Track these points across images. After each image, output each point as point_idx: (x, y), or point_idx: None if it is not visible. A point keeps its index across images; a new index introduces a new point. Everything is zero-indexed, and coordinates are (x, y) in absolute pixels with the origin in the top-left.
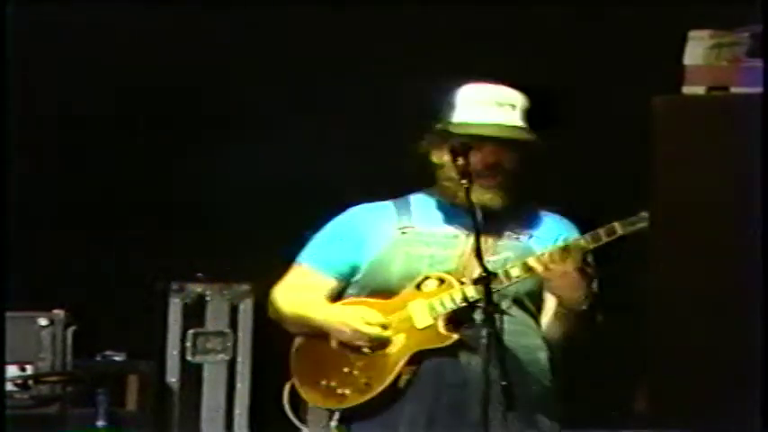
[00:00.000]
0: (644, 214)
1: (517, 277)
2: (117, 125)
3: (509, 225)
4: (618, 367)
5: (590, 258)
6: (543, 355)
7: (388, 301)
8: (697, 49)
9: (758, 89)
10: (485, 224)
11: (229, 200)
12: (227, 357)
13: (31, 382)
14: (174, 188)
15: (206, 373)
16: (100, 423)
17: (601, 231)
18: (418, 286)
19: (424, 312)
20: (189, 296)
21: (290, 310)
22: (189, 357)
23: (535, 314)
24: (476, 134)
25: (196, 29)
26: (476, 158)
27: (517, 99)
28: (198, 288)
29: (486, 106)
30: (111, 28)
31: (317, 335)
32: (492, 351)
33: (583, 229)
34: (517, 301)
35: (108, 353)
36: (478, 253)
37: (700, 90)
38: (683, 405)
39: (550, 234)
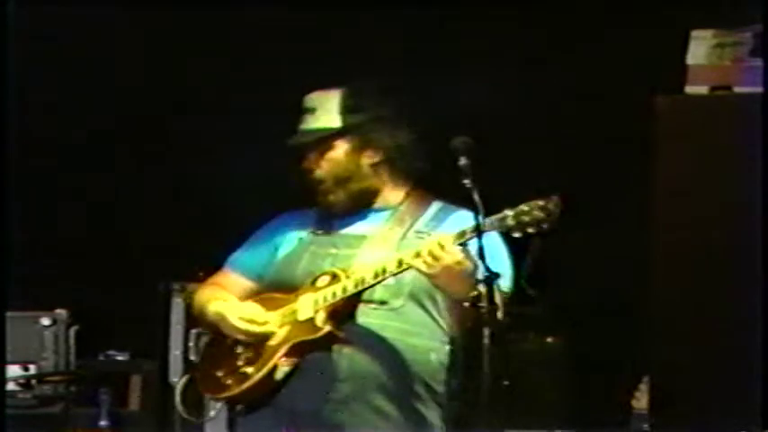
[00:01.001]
0: (507, 212)
1: (391, 273)
2: (118, 125)
3: (419, 224)
4: (620, 367)
5: (468, 250)
6: (434, 357)
7: (286, 296)
8: (700, 48)
9: (761, 89)
10: (388, 223)
11: (232, 199)
12: None
13: (34, 381)
14: (176, 188)
15: None
16: (103, 422)
17: (467, 228)
18: (314, 282)
19: (308, 306)
20: (191, 296)
21: (197, 306)
22: (192, 357)
23: (433, 313)
24: (287, 144)
25: (196, 29)
26: None
27: (314, 102)
28: None
29: (303, 115)
30: (110, 28)
31: (219, 330)
32: (493, 351)
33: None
34: (414, 299)
35: (111, 352)
36: (481, 253)
37: (702, 89)
38: (685, 405)
39: (456, 229)
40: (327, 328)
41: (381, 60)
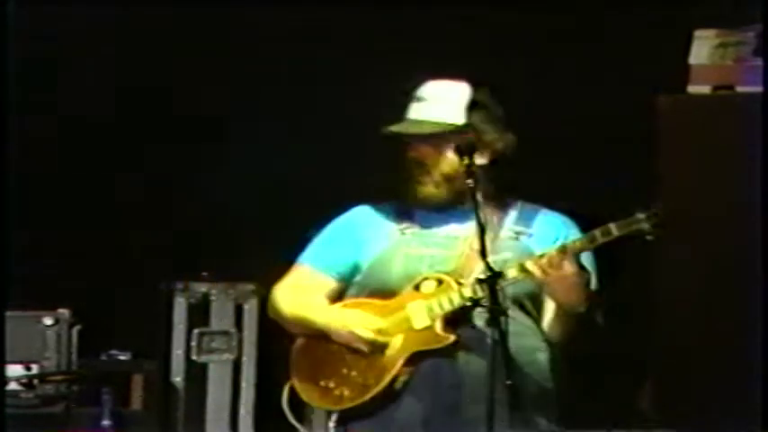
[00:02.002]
0: (640, 215)
1: (514, 278)
2: (120, 124)
3: (507, 224)
4: (621, 368)
5: (587, 260)
6: (542, 357)
7: (388, 301)
8: (703, 48)
9: (761, 88)
10: (486, 221)
11: (234, 199)
12: (231, 357)
13: (36, 381)
14: (179, 187)
15: (211, 373)
16: (105, 422)
17: (596, 232)
18: (417, 287)
19: (423, 313)
20: (194, 295)
21: (291, 312)
22: (194, 357)
23: (535, 315)
24: (386, 133)
25: (197, 29)
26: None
27: (435, 92)
28: (203, 287)
29: (412, 103)
30: (110, 27)
31: (318, 336)
32: (497, 351)
33: (586, 228)
34: (517, 302)
35: (113, 352)
36: (483, 252)
37: (705, 89)
38: (685, 405)
39: (549, 233)
40: (452, 337)
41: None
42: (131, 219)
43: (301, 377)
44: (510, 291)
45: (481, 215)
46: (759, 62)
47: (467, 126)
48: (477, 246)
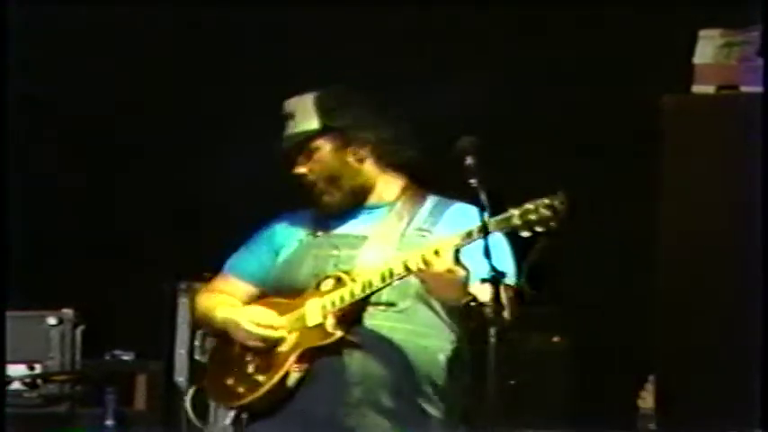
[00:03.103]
0: (513, 211)
1: (398, 275)
2: (122, 123)
3: (416, 221)
4: (625, 367)
5: (461, 255)
6: (443, 357)
7: (291, 301)
8: (707, 48)
9: (757, 88)
10: (387, 220)
11: (237, 199)
12: None
13: (39, 381)
14: (182, 187)
15: None
16: (108, 422)
17: (473, 228)
18: (318, 286)
19: (317, 311)
20: (194, 301)
21: (201, 311)
22: (197, 357)
23: (441, 314)
24: (273, 153)
25: (197, 29)
26: None
27: (290, 108)
28: None
29: (284, 122)
30: (111, 27)
31: (226, 336)
32: (499, 350)
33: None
34: (421, 300)
35: (116, 352)
36: (487, 252)
37: (709, 89)
38: (685, 405)
39: (454, 225)
40: (339, 333)
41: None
42: (134, 218)
43: (208, 377)
44: (413, 289)
45: (485, 214)
46: (763, 62)
47: (324, 128)
48: (386, 241)
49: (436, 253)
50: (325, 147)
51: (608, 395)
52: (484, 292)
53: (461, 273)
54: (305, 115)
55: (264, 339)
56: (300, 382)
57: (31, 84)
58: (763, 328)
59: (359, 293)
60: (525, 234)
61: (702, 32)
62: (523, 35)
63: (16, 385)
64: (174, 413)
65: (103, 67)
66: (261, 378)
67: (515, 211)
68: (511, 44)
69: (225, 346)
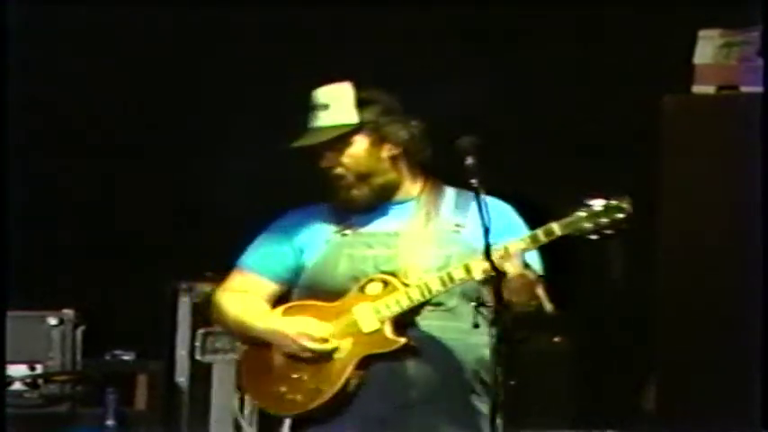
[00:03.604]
0: (581, 214)
1: (461, 280)
2: (124, 123)
3: (449, 217)
4: (628, 367)
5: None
6: (487, 352)
7: (333, 304)
8: (707, 48)
9: (757, 89)
10: (415, 216)
11: (238, 198)
12: (235, 357)
13: (40, 381)
14: (183, 186)
15: (215, 373)
16: (109, 422)
17: (539, 232)
18: (362, 289)
19: (371, 316)
20: (198, 295)
21: (235, 318)
22: (198, 357)
23: (483, 311)
24: (292, 148)
25: (196, 29)
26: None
27: (325, 97)
28: (207, 287)
29: (313, 112)
30: (111, 26)
31: (261, 343)
32: (501, 350)
33: (528, 211)
34: (465, 298)
35: (117, 352)
36: (487, 252)
37: (709, 89)
38: (685, 405)
39: (492, 224)
40: (402, 340)
41: (381, 57)
42: (135, 218)
43: (252, 385)
44: (458, 288)
45: (486, 215)
46: (763, 62)
47: (362, 123)
48: (423, 238)
49: (505, 254)
50: (361, 142)
51: (609, 395)
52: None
53: (531, 276)
54: (342, 107)
55: (317, 352)
56: (359, 386)
57: (32, 84)
58: (764, 327)
59: (417, 298)
60: (593, 237)
61: (702, 33)
62: (524, 35)
63: (17, 385)
64: (174, 413)
65: (104, 67)
66: (322, 386)
67: (582, 214)
68: (511, 44)
69: (263, 354)
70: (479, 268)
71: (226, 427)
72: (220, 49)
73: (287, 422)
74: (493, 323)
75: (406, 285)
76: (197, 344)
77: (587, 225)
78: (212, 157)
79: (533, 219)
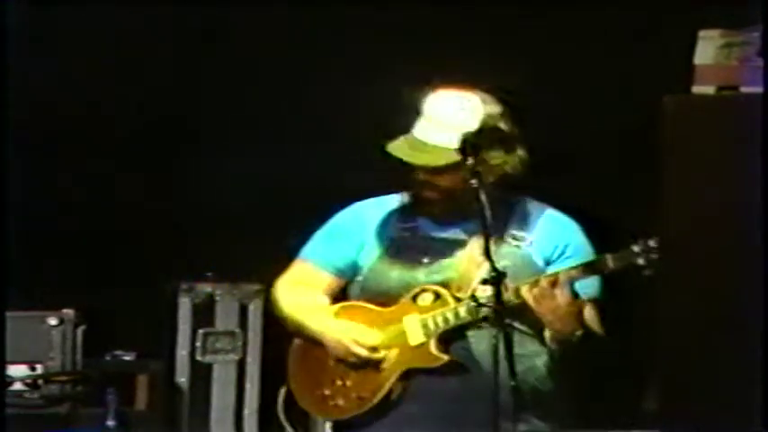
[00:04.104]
0: (635, 248)
1: (508, 301)
2: (125, 124)
3: (509, 229)
4: (623, 368)
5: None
6: (540, 362)
7: (385, 310)
8: (707, 48)
9: (762, 89)
10: (486, 227)
11: (239, 199)
12: (236, 357)
13: (40, 381)
14: (183, 187)
15: (215, 373)
16: (109, 422)
17: (593, 264)
18: (414, 298)
19: (418, 330)
20: (198, 296)
21: (290, 312)
22: (198, 357)
23: (532, 320)
24: (391, 154)
25: (196, 29)
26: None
27: (443, 112)
28: (207, 287)
29: (423, 121)
30: (112, 26)
31: (313, 341)
32: (501, 353)
33: (592, 229)
34: (516, 311)
35: (117, 352)
36: (488, 253)
37: (709, 90)
38: (685, 405)
39: (549, 240)
40: (445, 357)
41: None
42: (135, 218)
43: (297, 382)
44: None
45: (487, 215)
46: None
47: (465, 153)
48: (479, 250)
49: (553, 285)
50: (457, 170)
51: (610, 395)
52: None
53: (576, 305)
54: (459, 130)
55: (366, 360)
56: (401, 396)
57: (32, 83)
58: (764, 327)
59: (464, 316)
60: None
61: (702, 33)
62: (523, 36)
63: (17, 386)
64: (174, 414)
65: (104, 67)
66: (364, 394)
67: (636, 249)
68: (510, 44)
69: (312, 352)
70: (528, 295)
71: (226, 428)
72: (221, 49)
73: (328, 424)
74: (493, 322)
75: (458, 300)
76: (197, 344)
77: (641, 259)
78: (213, 156)
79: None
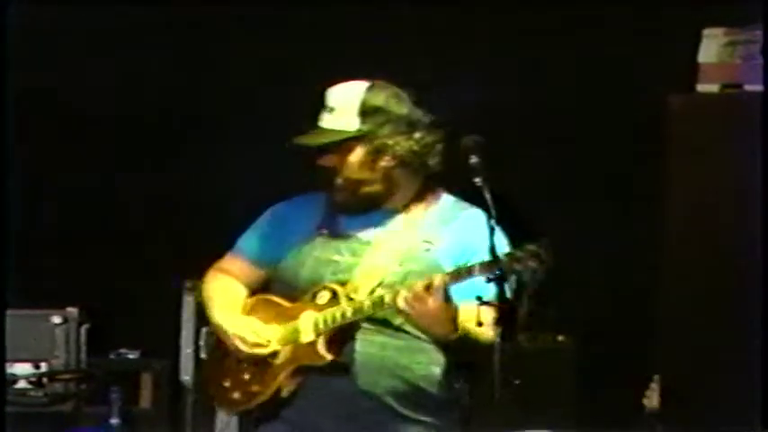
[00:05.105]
0: (503, 258)
1: (388, 305)
2: (129, 122)
3: (427, 231)
4: (631, 366)
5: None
6: (437, 369)
7: (291, 306)
8: (711, 46)
9: (761, 87)
10: (395, 227)
11: (243, 197)
12: None
13: (45, 379)
14: (188, 185)
15: None
16: (113, 421)
17: (462, 269)
18: (314, 296)
19: (310, 327)
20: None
21: (205, 297)
22: (203, 355)
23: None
24: (297, 143)
25: (196, 29)
26: None
27: (335, 98)
28: None
29: (322, 111)
30: (111, 26)
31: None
32: (505, 351)
33: (590, 228)
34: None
35: (122, 351)
36: (493, 251)
37: (714, 88)
38: (691, 405)
39: (460, 244)
40: (329, 356)
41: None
42: (140, 217)
43: (209, 374)
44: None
45: (492, 213)
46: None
47: (362, 132)
48: (384, 251)
49: (428, 289)
50: (357, 151)
51: (613, 395)
52: (469, 315)
53: (451, 310)
54: (346, 113)
55: (253, 355)
56: (293, 394)
57: (33, 83)
58: (764, 327)
59: (349, 317)
60: (511, 278)
61: (706, 31)
62: (527, 34)
63: (22, 384)
64: (179, 412)
65: (105, 66)
66: (256, 388)
67: (505, 258)
68: (514, 43)
69: (223, 345)
70: (402, 297)
71: (231, 426)
72: (222, 48)
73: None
74: (497, 321)
75: (350, 299)
76: (202, 342)
77: (507, 268)
78: (218, 154)
79: (537, 220)
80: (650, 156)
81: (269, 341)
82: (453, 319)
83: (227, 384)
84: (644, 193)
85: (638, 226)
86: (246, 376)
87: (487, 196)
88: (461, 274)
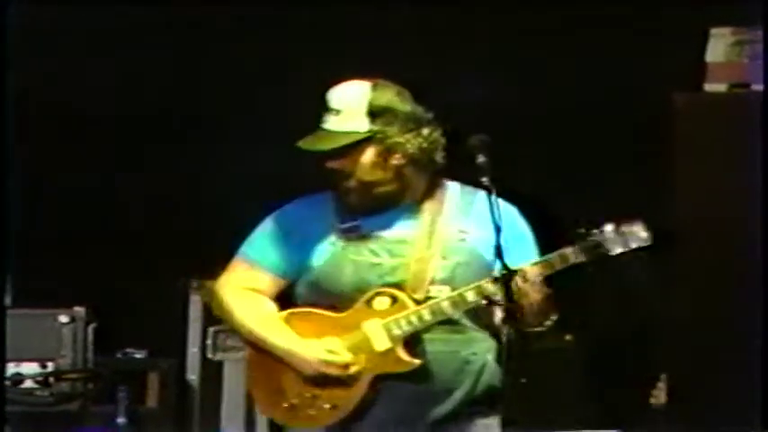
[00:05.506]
0: (594, 239)
1: (474, 302)
2: (133, 121)
3: (455, 222)
4: (637, 365)
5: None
6: (491, 357)
7: (340, 316)
8: (719, 46)
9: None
10: (431, 222)
11: (249, 197)
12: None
13: (51, 379)
14: (194, 185)
15: (226, 371)
16: (120, 420)
17: (555, 259)
18: (369, 303)
19: (381, 335)
20: (209, 293)
21: (241, 322)
22: (209, 355)
23: (481, 316)
24: (304, 148)
25: (195, 29)
26: None
27: (339, 100)
28: None
29: (326, 113)
30: (111, 26)
31: (267, 352)
32: (513, 349)
33: (532, 213)
34: (468, 311)
35: (129, 350)
36: (498, 251)
37: (721, 87)
38: (698, 403)
39: (491, 231)
40: (417, 361)
41: (392, 57)
42: (147, 216)
43: (260, 394)
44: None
45: (496, 213)
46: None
47: (371, 133)
48: (425, 247)
49: (523, 279)
50: (369, 152)
51: (619, 393)
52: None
53: (550, 297)
54: (353, 114)
55: (332, 375)
56: (372, 401)
57: (33, 83)
58: (764, 328)
59: (429, 319)
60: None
61: (714, 31)
62: (533, 33)
63: (28, 383)
64: (185, 411)
65: (106, 66)
66: (338, 403)
67: (596, 240)
68: (522, 42)
69: (273, 363)
70: (491, 290)
71: (237, 425)
72: (223, 48)
73: None
74: (504, 320)
75: (416, 302)
76: (208, 342)
77: (601, 251)
78: (226, 153)
79: (543, 219)
80: (658, 154)
81: (353, 359)
82: (550, 304)
83: (295, 402)
84: (651, 192)
85: (646, 224)
86: (318, 392)
87: (494, 196)
88: (555, 263)
